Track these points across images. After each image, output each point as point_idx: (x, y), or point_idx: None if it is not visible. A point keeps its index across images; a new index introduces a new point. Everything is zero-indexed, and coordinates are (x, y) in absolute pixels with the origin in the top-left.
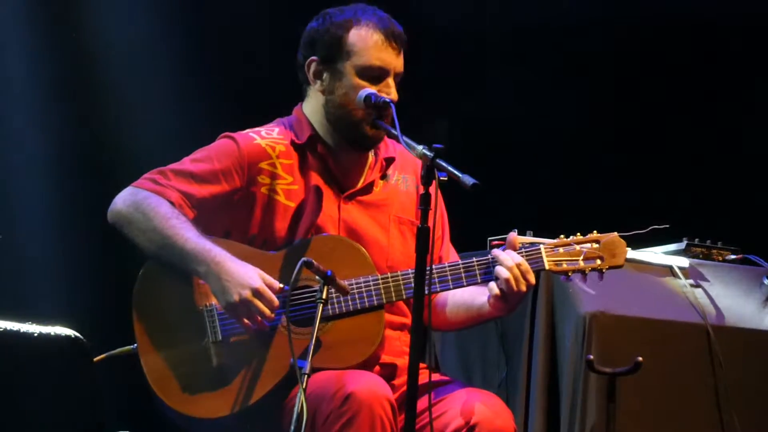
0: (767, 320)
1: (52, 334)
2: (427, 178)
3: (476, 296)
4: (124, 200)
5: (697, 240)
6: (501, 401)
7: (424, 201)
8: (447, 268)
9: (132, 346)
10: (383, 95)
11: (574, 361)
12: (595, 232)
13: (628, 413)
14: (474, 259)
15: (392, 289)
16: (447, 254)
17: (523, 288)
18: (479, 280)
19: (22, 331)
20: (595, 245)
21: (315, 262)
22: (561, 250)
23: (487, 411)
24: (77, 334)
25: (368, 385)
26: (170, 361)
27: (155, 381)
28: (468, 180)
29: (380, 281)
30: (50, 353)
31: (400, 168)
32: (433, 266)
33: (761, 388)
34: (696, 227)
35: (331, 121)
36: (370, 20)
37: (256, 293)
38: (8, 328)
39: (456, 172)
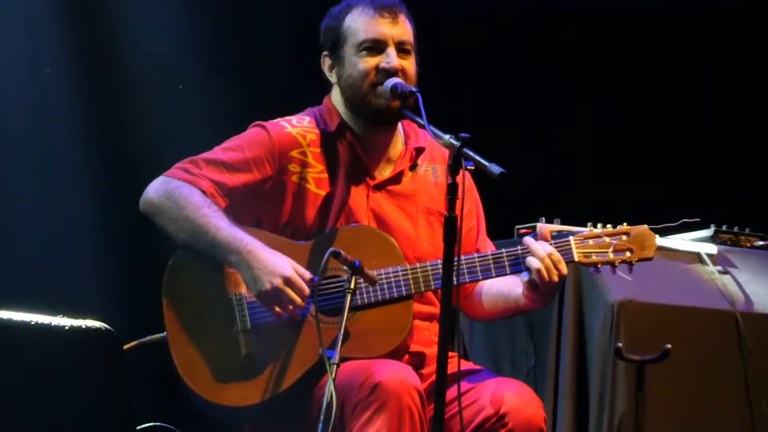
0: None
1: (83, 327)
2: (454, 168)
3: (513, 288)
4: (156, 189)
5: (725, 226)
6: (531, 390)
7: (452, 190)
8: (476, 259)
9: (161, 334)
10: (385, 64)
11: (602, 349)
12: (624, 224)
13: (656, 401)
14: (503, 250)
15: (421, 279)
16: (483, 246)
17: (555, 278)
18: (508, 272)
19: (53, 324)
20: (625, 237)
21: (343, 252)
22: (590, 242)
23: (516, 400)
24: (108, 327)
25: (396, 375)
26: (199, 350)
27: (184, 369)
28: (495, 169)
29: (409, 272)
30: (81, 346)
31: (430, 158)
32: (463, 257)
33: None
34: (724, 213)
35: (349, 106)
36: (361, 2)
37: (288, 282)
38: (39, 322)
39: (483, 161)
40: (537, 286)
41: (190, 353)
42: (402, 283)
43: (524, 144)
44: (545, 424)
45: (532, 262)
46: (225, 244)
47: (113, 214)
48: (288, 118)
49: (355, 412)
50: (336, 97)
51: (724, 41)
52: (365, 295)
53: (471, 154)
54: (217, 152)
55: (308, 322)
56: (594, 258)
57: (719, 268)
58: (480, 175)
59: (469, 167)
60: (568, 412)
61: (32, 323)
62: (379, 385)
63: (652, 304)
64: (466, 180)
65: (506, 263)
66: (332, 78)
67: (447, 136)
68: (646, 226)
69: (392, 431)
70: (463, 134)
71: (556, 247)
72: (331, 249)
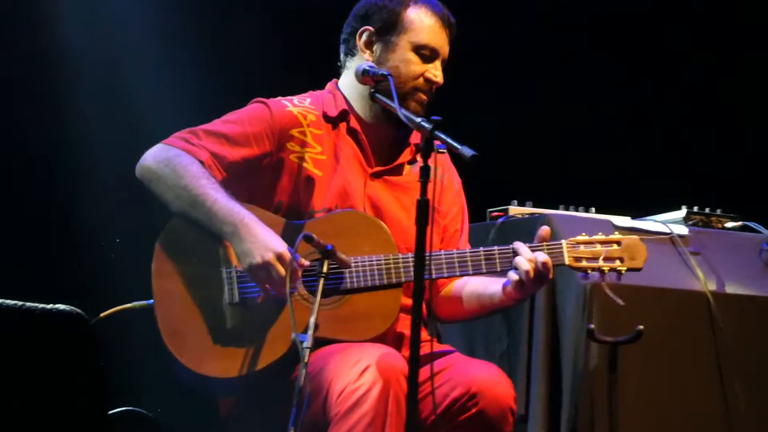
0: (767, 286)
1: (55, 311)
2: (425, 151)
3: (488, 285)
4: (154, 156)
5: (696, 208)
6: (501, 371)
7: (424, 173)
8: (467, 254)
9: (148, 302)
10: (431, 76)
11: (575, 330)
12: (617, 232)
13: (629, 382)
14: (495, 248)
15: (412, 268)
16: (463, 248)
17: (541, 282)
18: (498, 269)
19: (23, 308)
20: (616, 246)
21: (315, 236)
22: (582, 247)
23: (487, 380)
24: (80, 311)
25: (386, 360)
26: (186, 320)
27: (169, 337)
28: (467, 151)
29: (401, 260)
30: (52, 330)
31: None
32: (455, 252)
33: (762, 354)
34: (695, 195)
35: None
36: (427, 2)
37: (279, 257)
38: (9, 305)
39: (455, 144)
40: (524, 286)
41: (177, 323)
42: (393, 270)
43: (496, 126)
44: (515, 404)
45: (522, 263)
46: (222, 215)
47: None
48: (289, 97)
49: (341, 396)
50: (348, 79)
51: (697, 16)
52: (356, 279)
53: (443, 136)
54: (218, 125)
55: (296, 301)
56: (584, 263)
57: (691, 249)
58: (452, 157)
59: (441, 150)
60: (542, 393)
61: (3, 307)
62: (368, 368)
63: (625, 286)
64: (455, 184)
65: (497, 261)
66: (364, 55)
67: (418, 119)
68: (637, 237)
69: (378, 416)
70: (434, 117)
71: (548, 250)
72: (304, 233)
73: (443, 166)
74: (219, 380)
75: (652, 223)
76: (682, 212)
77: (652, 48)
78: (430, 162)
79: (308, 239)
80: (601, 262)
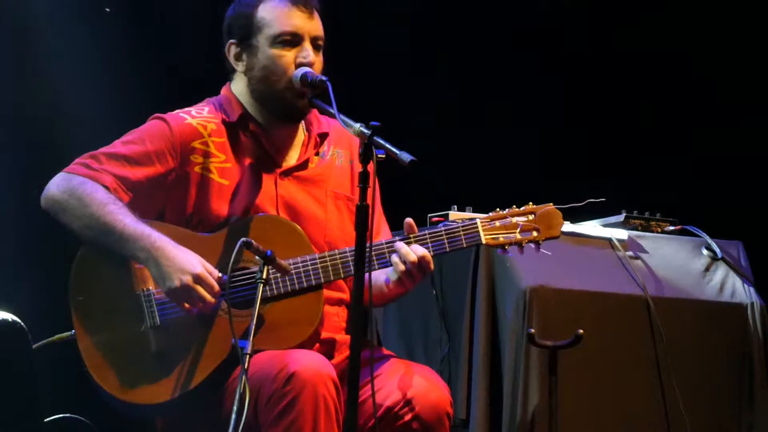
0: (706, 290)
1: None
2: (364, 156)
3: (377, 276)
4: (57, 186)
5: (635, 212)
6: (437, 375)
7: (363, 179)
8: (348, 253)
9: (70, 333)
10: (301, 59)
11: (515, 335)
12: (530, 203)
13: (569, 386)
14: (383, 242)
15: (330, 269)
16: (379, 229)
17: (422, 275)
18: (377, 267)
19: None
20: (531, 217)
21: (255, 243)
22: (497, 223)
23: (423, 385)
24: (15, 318)
25: (311, 365)
26: (109, 347)
27: (93, 367)
28: (405, 157)
29: (318, 261)
30: None
31: (335, 143)
32: (348, 249)
33: (701, 358)
34: (634, 199)
35: (257, 98)
36: None
37: (198, 279)
38: None
39: (393, 150)
40: (403, 282)
41: (100, 351)
42: (311, 273)
43: (435, 132)
44: (451, 408)
45: (397, 264)
46: (133, 240)
47: (20, 210)
48: (187, 109)
49: (270, 403)
50: (239, 86)
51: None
52: (275, 287)
53: (381, 142)
54: (118, 146)
55: (219, 317)
56: (501, 239)
57: (630, 253)
58: (391, 163)
59: (380, 155)
60: (482, 398)
61: None
62: (294, 375)
63: (564, 290)
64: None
65: (375, 261)
66: (239, 67)
67: (357, 125)
68: (551, 204)
69: (307, 421)
70: (373, 122)
71: (463, 230)
72: (243, 239)
73: (351, 152)
74: (149, 406)
75: (592, 227)
76: (621, 216)
77: (587, 49)
78: (337, 147)
79: (248, 245)
80: (517, 236)
